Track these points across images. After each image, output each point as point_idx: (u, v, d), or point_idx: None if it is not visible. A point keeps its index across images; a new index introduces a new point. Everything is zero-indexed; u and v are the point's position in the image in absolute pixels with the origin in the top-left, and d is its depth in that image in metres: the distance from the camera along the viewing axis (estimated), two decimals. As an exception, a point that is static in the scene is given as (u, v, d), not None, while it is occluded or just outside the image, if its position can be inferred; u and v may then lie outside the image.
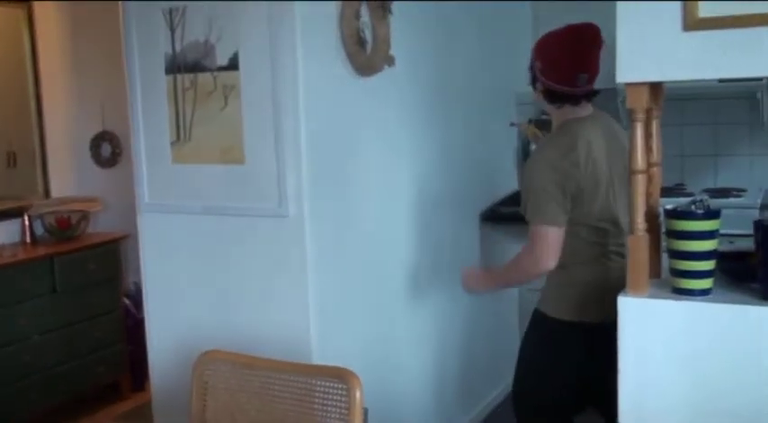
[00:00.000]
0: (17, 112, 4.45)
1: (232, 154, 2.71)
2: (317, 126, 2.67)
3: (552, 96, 2.64)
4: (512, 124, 2.59)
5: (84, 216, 4.43)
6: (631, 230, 2.11)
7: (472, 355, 3.86)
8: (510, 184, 4.27)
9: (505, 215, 3.96)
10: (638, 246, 2.10)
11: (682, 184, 4.30)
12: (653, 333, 2.08)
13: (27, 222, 4.28)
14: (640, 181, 2.09)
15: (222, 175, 2.73)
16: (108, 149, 4.71)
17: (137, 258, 3.11)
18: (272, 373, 2.00)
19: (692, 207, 2.06)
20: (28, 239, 4.27)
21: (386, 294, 3.15)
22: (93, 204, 4.54)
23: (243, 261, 2.74)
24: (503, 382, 4.12)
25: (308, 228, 2.63)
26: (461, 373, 3.75)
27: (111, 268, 4.35)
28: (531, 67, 2.68)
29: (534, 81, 2.68)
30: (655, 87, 2.18)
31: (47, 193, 4.55)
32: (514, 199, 4.09)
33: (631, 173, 2.09)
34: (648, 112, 2.15)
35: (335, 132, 2.78)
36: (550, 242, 2.53)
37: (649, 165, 2.18)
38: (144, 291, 3.02)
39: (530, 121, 2.62)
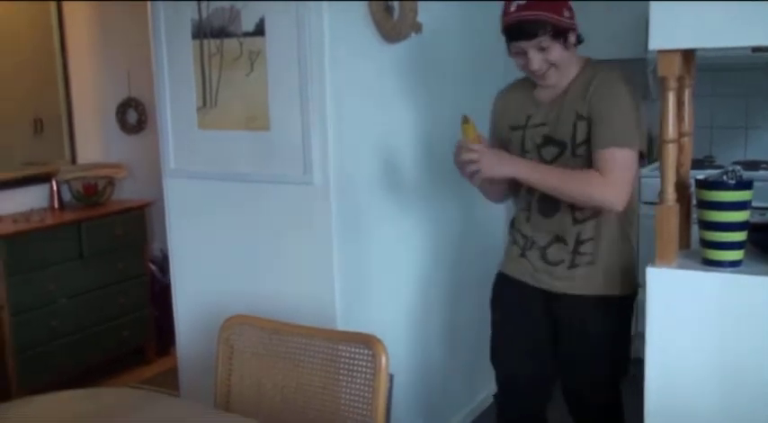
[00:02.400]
0: (44, 78, 4.47)
1: (257, 120, 2.70)
2: (343, 93, 2.65)
3: (577, 38, 2.32)
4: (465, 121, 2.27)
5: (110, 182, 4.46)
6: (661, 201, 2.09)
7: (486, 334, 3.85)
8: (536, 155, 4.23)
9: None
10: (667, 216, 2.07)
11: (711, 157, 4.24)
12: (681, 305, 2.06)
13: (54, 188, 4.31)
14: (671, 150, 2.06)
15: (247, 142, 2.73)
16: (134, 116, 4.73)
17: (162, 225, 3.13)
18: (297, 338, 2.01)
19: (724, 177, 2.03)
20: (56, 205, 4.31)
21: (412, 262, 3.15)
22: (119, 170, 4.56)
23: (268, 228, 2.74)
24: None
25: (334, 195, 2.63)
26: (484, 346, 3.74)
27: (137, 234, 4.39)
28: (564, 19, 2.24)
29: (567, 33, 2.25)
30: (687, 55, 2.14)
31: (73, 159, 4.58)
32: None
33: (662, 142, 2.06)
34: (680, 80, 2.12)
35: (362, 99, 2.76)
36: (632, 176, 2.26)
37: (680, 134, 2.15)
38: (170, 256, 3.04)
39: (465, 121, 2.28)
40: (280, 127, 2.66)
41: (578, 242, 2.35)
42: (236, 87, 2.73)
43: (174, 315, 3.06)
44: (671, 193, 2.07)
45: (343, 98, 2.65)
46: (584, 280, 2.36)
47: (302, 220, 2.66)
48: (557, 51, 2.23)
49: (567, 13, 2.24)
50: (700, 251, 2.10)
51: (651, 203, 3.84)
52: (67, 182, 4.35)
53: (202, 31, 2.76)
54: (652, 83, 4.25)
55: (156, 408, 1.74)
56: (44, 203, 4.32)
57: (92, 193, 4.36)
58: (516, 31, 2.22)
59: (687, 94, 2.22)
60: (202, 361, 2.72)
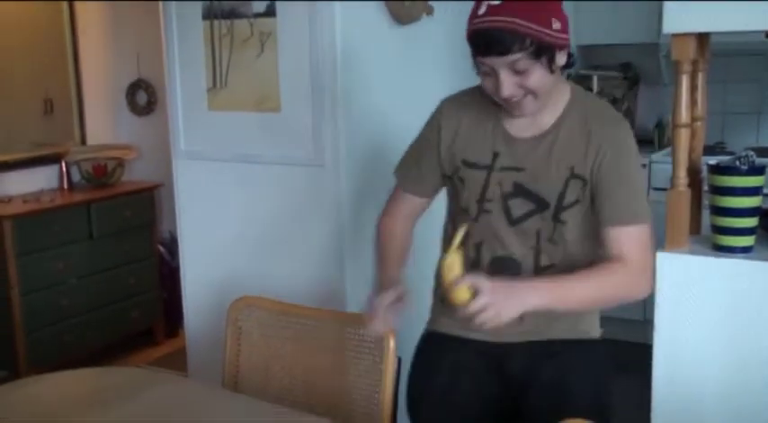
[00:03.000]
0: (54, 59, 4.47)
1: (268, 102, 2.70)
2: (354, 74, 2.64)
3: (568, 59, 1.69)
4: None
5: (120, 163, 4.46)
6: (672, 186, 2.08)
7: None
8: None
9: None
10: (678, 201, 2.07)
11: (722, 143, 4.22)
12: (691, 290, 2.06)
13: (64, 169, 4.32)
14: (683, 135, 2.05)
15: (258, 123, 2.72)
16: (144, 97, 4.72)
17: (172, 207, 3.13)
18: (306, 320, 2.01)
19: (737, 162, 2.01)
20: (65, 186, 4.32)
21: (421, 245, 3.14)
22: (129, 152, 4.57)
23: (278, 210, 2.74)
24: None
25: (345, 177, 2.62)
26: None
27: (146, 216, 4.39)
28: (553, 35, 1.59)
29: (554, 52, 1.61)
30: (701, 39, 2.13)
31: (83, 140, 4.58)
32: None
33: (675, 127, 2.05)
34: (694, 64, 2.11)
35: (372, 81, 2.75)
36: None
37: (693, 119, 2.14)
38: (179, 238, 3.04)
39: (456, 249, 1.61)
40: (290, 108, 2.65)
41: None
42: (246, 68, 2.72)
43: (183, 297, 3.06)
44: (682, 178, 2.06)
45: (355, 80, 2.64)
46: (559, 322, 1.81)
47: (313, 202, 2.66)
48: (537, 75, 1.59)
49: (557, 25, 1.58)
50: (711, 237, 2.09)
51: (661, 189, 3.85)
52: (77, 163, 4.35)
53: (213, 12, 2.75)
54: (664, 68, 4.23)
55: (164, 387, 1.74)
56: (54, 184, 4.33)
57: (101, 174, 4.36)
58: (484, 43, 1.57)
59: (701, 78, 2.20)
60: (210, 342, 2.73)
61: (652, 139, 4.27)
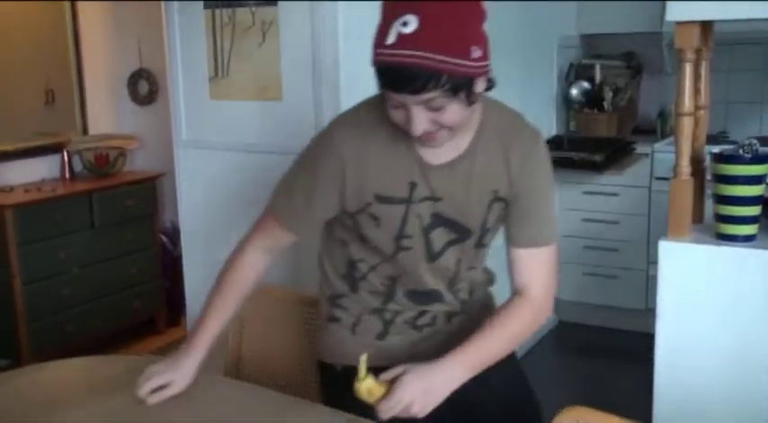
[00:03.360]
0: (55, 49, 4.46)
1: (269, 91, 2.69)
2: (356, 63, 2.63)
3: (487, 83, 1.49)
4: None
5: (122, 153, 4.46)
6: (675, 174, 2.07)
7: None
8: (548, 130, 4.21)
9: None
10: (681, 190, 2.06)
11: (725, 132, 4.21)
12: (694, 279, 2.05)
13: (66, 158, 4.32)
14: (687, 123, 2.05)
15: (259, 112, 2.72)
16: (145, 87, 4.71)
17: (173, 196, 3.13)
18: (308, 308, 2.01)
19: (740, 151, 2.01)
20: (67, 175, 4.31)
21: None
22: (131, 142, 4.56)
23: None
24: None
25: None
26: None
27: (148, 205, 4.39)
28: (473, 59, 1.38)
29: (472, 82, 1.41)
30: (705, 27, 2.12)
31: (85, 129, 4.58)
32: (552, 143, 4.04)
33: (678, 115, 2.04)
34: (698, 52, 2.10)
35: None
36: None
37: (696, 107, 2.13)
38: (180, 228, 3.04)
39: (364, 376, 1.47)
40: (292, 97, 2.64)
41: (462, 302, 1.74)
42: (247, 57, 2.71)
43: (185, 286, 3.06)
44: (685, 167, 2.05)
45: (357, 69, 2.63)
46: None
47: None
48: (454, 111, 1.41)
49: (477, 53, 1.37)
50: (713, 225, 2.08)
51: (663, 179, 3.84)
52: (79, 152, 4.35)
53: (214, 1, 2.74)
54: (667, 57, 4.21)
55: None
56: (56, 174, 4.33)
57: (103, 163, 4.36)
58: (393, 80, 1.38)
59: (704, 66, 2.20)
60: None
61: (654, 128, 4.26)
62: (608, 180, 3.99)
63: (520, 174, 1.55)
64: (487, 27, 1.39)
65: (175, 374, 1.66)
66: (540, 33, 4.03)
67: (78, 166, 4.37)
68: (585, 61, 4.36)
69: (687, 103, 2.02)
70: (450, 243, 1.61)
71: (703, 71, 2.19)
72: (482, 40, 1.39)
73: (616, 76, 4.28)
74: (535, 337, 4.14)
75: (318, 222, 1.66)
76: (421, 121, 1.40)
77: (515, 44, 3.73)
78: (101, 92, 4.70)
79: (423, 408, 1.46)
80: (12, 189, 4.01)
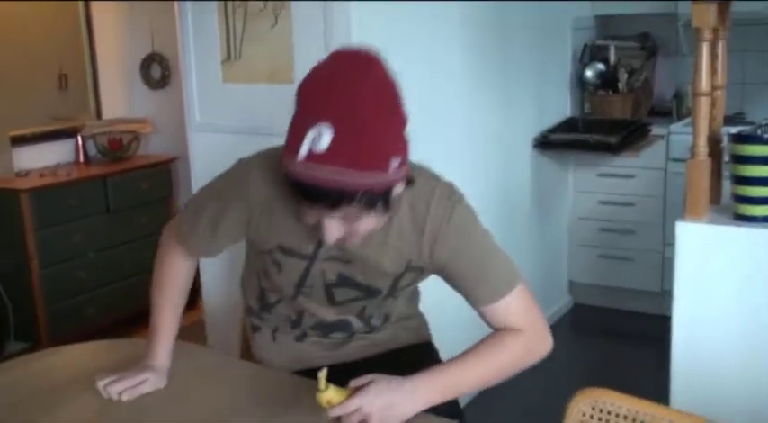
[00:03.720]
0: (68, 34, 4.46)
1: (282, 73, 2.68)
2: (369, 44, 2.61)
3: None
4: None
5: (136, 137, 4.47)
6: (693, 155, 2.05)
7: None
8: (562, 111, 4.18)
9: (557, 142, 3.89)
10: (698, 170, 2.04)
11: (741, 113, 4.16)
12: (711, 260, 2.04)
13: (80, 143, 4.33)
14: (704, 103, 2.03)
15: (272, 95, 2.71)
16: (158, 71, 4.71)
17: (187, 180, 3.13)
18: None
19: (758, 131, 1.99)
20: (81, 159, 4.33)
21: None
22: (144, 126, 4.57)
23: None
24: (547, 312, 4.12)
25: (359, 149, 2.60)
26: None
27: (162, 189, 4.40)
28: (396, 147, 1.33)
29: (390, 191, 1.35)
30: (722, 6, 2.09)
31: (98, 114, 4.59)
32: (566, 125, 4.02)
33: (695, 95, 2.02)
34: (715, 32, 2.07)
35: (388, 50, 2.72)
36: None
37: (713, 87, 2.11)
38: (195, 211, 3.04)
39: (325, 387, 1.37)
40: (305, 80, 2.63)
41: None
42: (260, 40, 2.70)
43: (200, 269, 3.07)
44: (702, 147, 2.03)
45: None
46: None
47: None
48: (368, 223, 1.37)
49: (396, 162, 1.30)
50: (731, 206, 2.07)
51: (679, 161, 3.81)
52: (93, 137, 4.36)
53: (227, -17, 2.73)
54: (683, 38, 4.17)
55: (183, 358, 1.75)
56: (70, 158, 4.35)
57: (117, 147, 4.37)
58: (307, 194, 1.29)
59: (721, 46, 2.17)
60: (228, 314, 2.74)
61: (670, 110, 4.22)
62: (623, 162, 3.97)
63: (436, 244, 1.47)
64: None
65: (150, 374, 1.63)
66: (554, 15, 4.00)
67: (92, 151, 4.39)
68: (600, 42, 4.32)
69: (704, 82, 2.00)
70: (356, 299, 1.59)
71: (720, 51, 2.16)
72: (402, 149, 1.32)
73: (631, 58, 4.24)
74: (550, 320, 4.13)
75: (221, 248, 1.66)
76: (334, 231, 1.35)
77: (529, 26, 3.70)
78: (114, 76, 4.70)
79: (381, 422, 1.37)
80: (27, 174, 4.03)
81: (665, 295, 3.91)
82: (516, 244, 3.79)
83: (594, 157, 4.02)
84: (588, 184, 4.18)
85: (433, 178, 1.53)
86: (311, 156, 1.23)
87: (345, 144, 1.22)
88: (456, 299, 1.58)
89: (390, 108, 1.30)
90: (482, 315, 1.53)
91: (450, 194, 1.50)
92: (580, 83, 4.28)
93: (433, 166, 3.12)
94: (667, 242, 3.94)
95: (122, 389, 1.59)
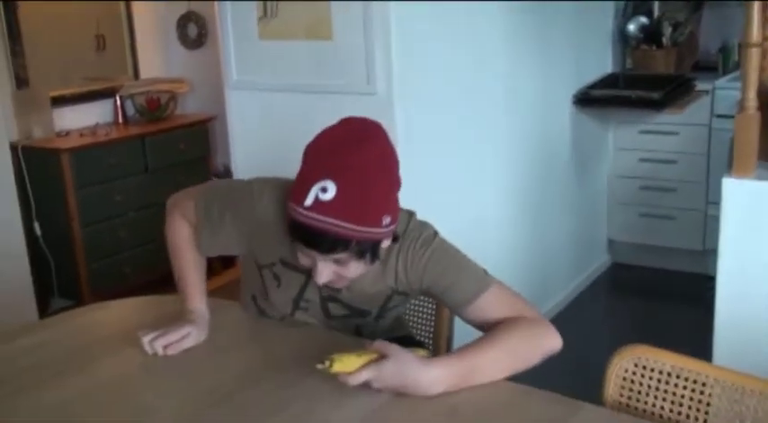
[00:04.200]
0: (104, -7, 4.47)
1: (319, 30, 2.65)
2: (407, 2, 2.57)
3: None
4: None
5: (173, 97, 4.48)
6: (741, 108, 1.99)
7: (557, 244, 3.81)
8: (603, 67, 4.10)
9: (597, 98, 3.82)
10: (747, 124, 1.99)
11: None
12: (758, 217, 1.99)
13: (118, 103, 4.35)
14: (754, 54, 1.96)
15: (309, 52, 2.68)
16: (194, 30, 4.70)
17: (224, 140, 3.13)
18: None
19: (811, 83, 1.92)
20: (120, 119, 4.36)
21: (474, 176, 3.11)
22: (181, 85, 4.57)
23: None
24: (585, 271, 4.09)
25: (397, 107, 2.58)
26: (546, 260, 3.72)
27: (200, 149, 4.42)
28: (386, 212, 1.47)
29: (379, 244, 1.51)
30: (775, -48, 2.01)
31: (136, 74, 4.60)
32: (607, 81, 3.94)
33: (745, 46, 1.96)
34: (767, -20, 1.99)
35: (426, 7, 2.68)
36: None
37: (765, 38, 2.03)
38: (233, 170, 3.05)
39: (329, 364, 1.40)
40: (342, 37, 2.60)
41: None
42: (297, -4, 2.67)
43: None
44: (752, 100, 1.97)
45: (408, 8, 2.57)
46: None
47: (365, 132, 2.63)
48: (357, 269, 1.52)
49: (387, 220, 1.47)
50: (781, 162, 2.01)
51: (724, 117, 3.73)
52: (131, 97, 4.38)
53: (262, -62, 2.69)
54: (730, -11, 4.04)
55: (222, 313, 1.76)
56: (109, 118, 4.38)
57: (155, 107, 4.38)
58: (305, 238, 1.45)
59: (773, -6, 2.09)
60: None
61: (716, 64, 4.11)
62: (666, 119, 3.88)
63: (418, 272, 1.59)
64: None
65: (191, 328, 1.64)
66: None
67: (130, 111, 4.41)
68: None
69: (755, 32, 1.93)
70: (349, 316, 1.69)
71: (772, 0, 2.08)
72: (394, 209, 1.50)
73: (675, 11, 4.12)
74: (589, 279, 4.10)
75: (215, 251, 1.77)
76: (325, 273, 1.50)
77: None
78: (150, 36, 4.70)
79: (396, 391, 1.42)
80: (68, 133, 4.07)
81: (707, 254, 3.85)
82: (555, 202, 3.75)
83: (636, 114, 3.94)
84: (629, 142, 4.10)
85: (417, 230, 1.64)
86: (315, 205, 1.41)
87: (345, 200, 1.40)
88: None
89: (389, 173, 1.48)
90: (467, 319, 1.59)
91: (427, 239, 1.62)
92: (622, 37, 4.18)
93: (473, 124, 3.09)
94: (711, 200, 3.87)
95: (166, 343, 1.61)
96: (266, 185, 1.67)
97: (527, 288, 3.53)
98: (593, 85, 3.88)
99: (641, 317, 3.80)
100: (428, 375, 1.41)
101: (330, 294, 1.66)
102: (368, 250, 1.48)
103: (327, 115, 2.66)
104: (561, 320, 3.71)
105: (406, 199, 2.64)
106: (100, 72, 4.46)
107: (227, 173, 4.25)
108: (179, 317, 1.69)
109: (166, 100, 4.43)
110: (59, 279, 3.97)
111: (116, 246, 4.02)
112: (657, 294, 4.06)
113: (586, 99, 3.81)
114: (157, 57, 4.74)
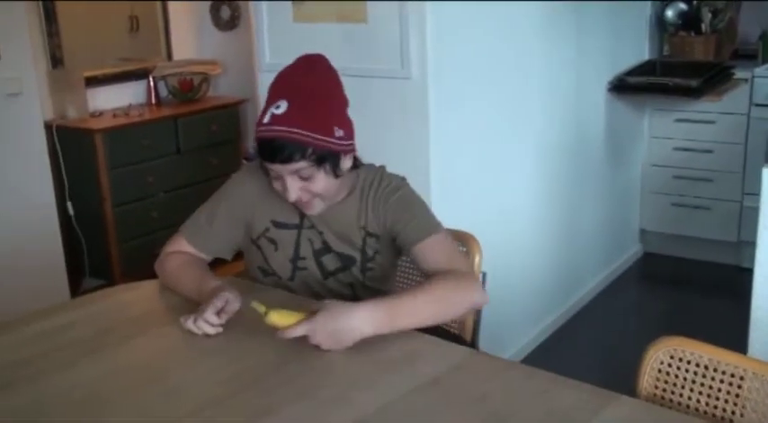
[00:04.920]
0: (138, -26, 4.47)
1: (353, 13, 2.63)
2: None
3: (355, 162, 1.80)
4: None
5: (205, 79, 4.49)
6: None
7: (589, 233, 3.78)
8: (639, 53, 4.03)
9: (633, 85, 3.76)
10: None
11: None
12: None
13: (151, 84, 4.37)
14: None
15: (343, 35, 2.66)
16: (227, 12, 4.70)
17: (255, 122, 3.12)
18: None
19: None
20: (153, 100, 4.37)
21: (509, 163, 3.08)
22: (214, 67, 4.58)
23: (363, 123, 2.69)
24: (616, 261, 4.05)
25: (431, 91, 2.56)
26: (577, 249, 3.68)
27: (231, 130, 4.43)
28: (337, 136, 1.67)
29: (338, 158, 1.70)
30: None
31: (169, 55, 4.61)
32: (644, 68, 3.88)
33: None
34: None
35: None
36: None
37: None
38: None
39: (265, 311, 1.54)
40: (376, 20, 2.58)
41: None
42: (331, -22, 2.65)
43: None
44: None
45: (442, -11, 2.55)
46: None
47: (398, 116, 2.61)
48: (322, 181, 1.68)
49: (339, 132, 1.66)
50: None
51: (764, 105, 3.66)
52: (164, 78, 4.40)
53: None
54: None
55: (250, 294, 1.77)
56: (141, 99, 4.40)
57: (187, 89, 4.40)
58: (267, 151, 1.64)
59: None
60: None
61: (755, 52, 4.02)
62: (703, 107, 3.82)
63: (383, 211, 1.76)
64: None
65: (226, 293, 1.62)
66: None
67: (163, 92, 4.43)
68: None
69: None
70: (341, 269, 1.81)
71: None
72: (345, 123, 1.70)
73: (714, -3, 4.05)
74: (620, 268, 4.06)
75: (220, 240, 1.87)
76: (293, 188, 1.67)
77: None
78: (184, 18, 4.71)
79: (330, 346, 1.51)
80: (101, 114, 4.09)
81: (742, 245, 3.79)
82: (587, 190, 3.71)
83: (673, 102, 3.88)
84: (664, 130, 4.04)
85: (388, 178, 1.81)
86: (271, 120, 1.62)
87: (298, 110, 1.62)
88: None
89: (332, 91, 1.71)
90: (413, 259, 1.74)
91: (398, 184, 1.79)
92: (660, 23, 4.11)
93: (507, 110, 3.05)
94: (747, 190, 3.81)
95: (215, 311, 1.58)
96: (243, 170, 1.90)
97: (557, 277, 3.52)
98: (630, 72, 3.83)
99: (672, 308, 3.75)
100: (356, 316, 1.50)
101: (321, 246, 1.80)
102: (326, 161, 1.65)
103: (361, 99, 2.65)
104: (591, 310, 3.68)
105: (437, 183, 2.64)
106: (133, 53, 4.48)
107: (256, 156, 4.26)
108: (207, 299, 1.65)
109: (199, 81, 4.44)
110: (91, 259, 4.01)
111: (147, 226, 4.04)
112: (689, 285, 4.01)
113: (622, 86, 3.76)
114: (190, 38, 4.74)
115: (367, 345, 1.51)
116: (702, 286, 3.96)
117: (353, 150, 1.74)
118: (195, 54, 4.72)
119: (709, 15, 3.98)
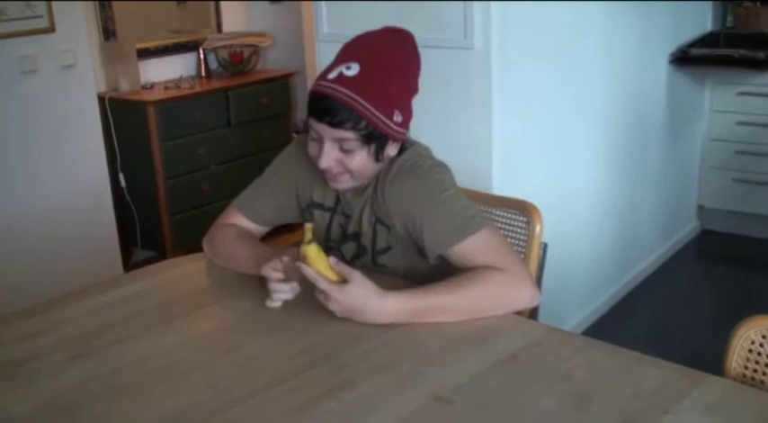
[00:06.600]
0: (188, -55, 4.44)
1: (414, -19, 2.56)
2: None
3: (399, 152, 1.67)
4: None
5: (256, 51, 4.45)
6: None
7: (646, 208, 3.69)
8: (702, 25, 3.91)
9: (696, 57, 3.65)
10: None
11: None
12: None
13: (202, 56, 4.35)
14: None
15: (405, 4, 2.60)
16: (277, -16, 4.65)
17: (305, 96, 3.08)
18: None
19: None
20: (203, 73, 4.36)
21: (569, 136, 3.01)
22: (264, 39, 4.54)
23: (426, 93, 2.63)
24: (672, 238, 3.96)
25: (495, 61, 2.49)
26: (634, 224, 3.60)
27: (281, 104, 4.40)
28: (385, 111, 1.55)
29: (385, 142, 1.59)
30: None
31: (219, 28, 4.58)
32: (707, 40, 3.76)
33: None
34: None
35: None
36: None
37: None
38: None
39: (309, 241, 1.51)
40: (437, -13, 2.51)
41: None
42: (391, -55, 2.58)
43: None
44: None
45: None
46: None
47: (461, 86, 2.55)
48: (361, 160, 1.57)
49: (398, 118, 1.55)
50: None
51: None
52: (214, 50, 4.37)
53: None
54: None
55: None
56: (192, 72, 4.38)
57: (238, 61, 4.37)
58: (320, 108, 1.52)
59: None
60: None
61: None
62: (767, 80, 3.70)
63: (398, 201, 1.61)
64: None
65: (284, 257, 1.59)
66: None
67: (213, 64, 4.41)
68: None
69: None
70: (355, 257, 1.73)
71: None
72: (407, 110, 1.59)
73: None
74: (675, 246, 3.97)
75: (274, 210, 1.83)
76: (329, 156, 1.56)
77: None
78: (235, -10, 4.67)
79: (342, 316, 1.49)
80: (152, 86, 4.09)
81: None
82: (646, 165, 3.62)
83: (736, 75, 3.75)
84: (727, 104, 3.92)
85: (416, 163, 1.64)
86: (338, 78, 1.51)
87: (367, 80, 1.51)
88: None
89: (410, 74, 1.61)
90: (451, 263, 1.59)
91: (426, 170, 1.62)
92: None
93: (568, 81, 2.97)
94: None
95: (285, 268, 1.56)
96: (294, 143, 1.84)
97: (612, 253, 3.44)
98: (692, 44, 3.71)
99: (730, 286, 3.66)
100: (378, 304, 1.46)
101: (344, 232, 1.72)
102: (374, 140, 1.54)
103: (423, 69, 2.59)
104: (647, 287, 3.61)
105: (498, 154, 2.58)
106: (184, 25, 4.46)
107: (306, 129, 4.23)
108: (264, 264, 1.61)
109: (249, 54, 4.41)
110: (142, 231, 4.03)
111: (198, 199, 4.04)
112: (747, 263, 3.91)
113: (684, 58, 3.65)
114: (240, 10, 4.71)
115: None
116: (761, 264, 3.86)
117: (403, 140, 1.63)
118: (245, 26, 4.69)
119: (777, -16, 3.85)
